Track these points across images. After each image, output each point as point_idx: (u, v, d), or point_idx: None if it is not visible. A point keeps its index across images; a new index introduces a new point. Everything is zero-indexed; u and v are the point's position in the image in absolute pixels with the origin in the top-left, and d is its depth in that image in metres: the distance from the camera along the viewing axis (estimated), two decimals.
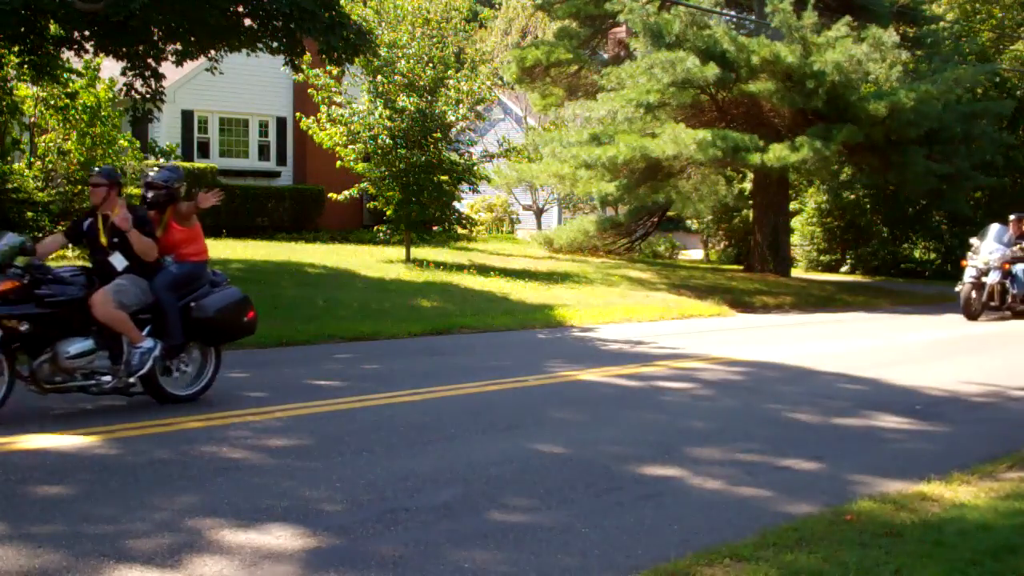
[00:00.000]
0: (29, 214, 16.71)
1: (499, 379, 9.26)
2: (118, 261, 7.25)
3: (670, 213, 28.78)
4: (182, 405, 7.51)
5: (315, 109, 21.10)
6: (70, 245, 8.51)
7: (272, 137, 25.93)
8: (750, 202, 25.33)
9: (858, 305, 19.77)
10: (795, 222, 29.18)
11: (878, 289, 23.24)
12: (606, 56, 24.94)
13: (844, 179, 26.62)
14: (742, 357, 11.39)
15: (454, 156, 20.39)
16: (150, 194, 7.69)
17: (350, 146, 19.93)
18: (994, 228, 17.35)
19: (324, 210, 24.72)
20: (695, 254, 34.24)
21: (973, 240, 17.35)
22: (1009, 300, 16.92)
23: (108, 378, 7.12)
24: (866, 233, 29.20)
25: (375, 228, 22.62)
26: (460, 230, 23.04)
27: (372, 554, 4.47)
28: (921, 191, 22.97)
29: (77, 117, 16.95)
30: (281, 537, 4.64)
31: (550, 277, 19.49)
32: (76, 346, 6.91)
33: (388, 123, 19.33)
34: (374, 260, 19.79)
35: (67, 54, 15.11)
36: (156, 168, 8.38)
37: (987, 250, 16.84)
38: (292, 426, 7.00)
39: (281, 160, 26.04)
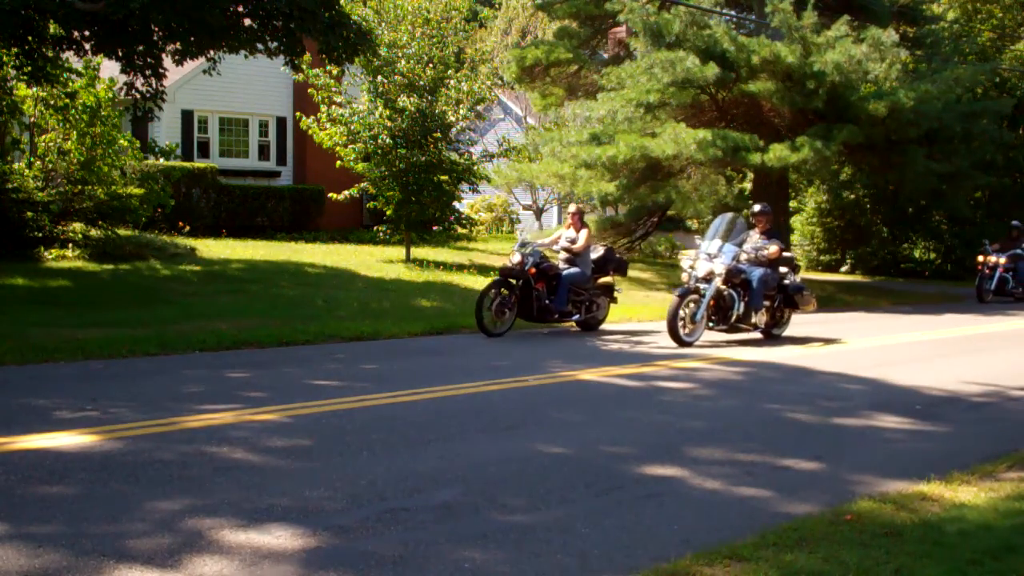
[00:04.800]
0: (29, 214, 16.71)
1: (499, 379, 9.25)
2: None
3: (670, 213, 28.76)
4: (182, 404, 7.53)
5: (315, 109, 21.11)
6: None
7: (272, 137, 25.94)
8: (750, 202, 25.30)
9: (858, 305, 19.77)
10: (795, 222, 29.22)
11: (878, 289, 23.25)
12: (606, 56, 24.93)
13: (844, 179, 26.63)
14: (742, 357, 11.39)
15: (454, 156, 20.39)
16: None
17: (350, 146, 19.94)
18: (725, 219, 13.10)
19: (324, 210, 24.73)
20: None
21: (699, 239, 13.12)
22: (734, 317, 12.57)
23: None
24: (866, 233, 29.23)
25: (375, 228, 22.63)
26: (460, 230, 23.05)
27: (372, 554, 4.47)
28: (921, 191, 22.98)
29: (77, 117, 16.95)
30: (281, 537, 4.64)
31: None
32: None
33: (388, 123, 19.34)
34: (374, 260, 19.79)
35: (67, 54, 15.12)
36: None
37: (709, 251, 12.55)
38: (292, 426, 7.00)
39: (281, 160, 26.05)
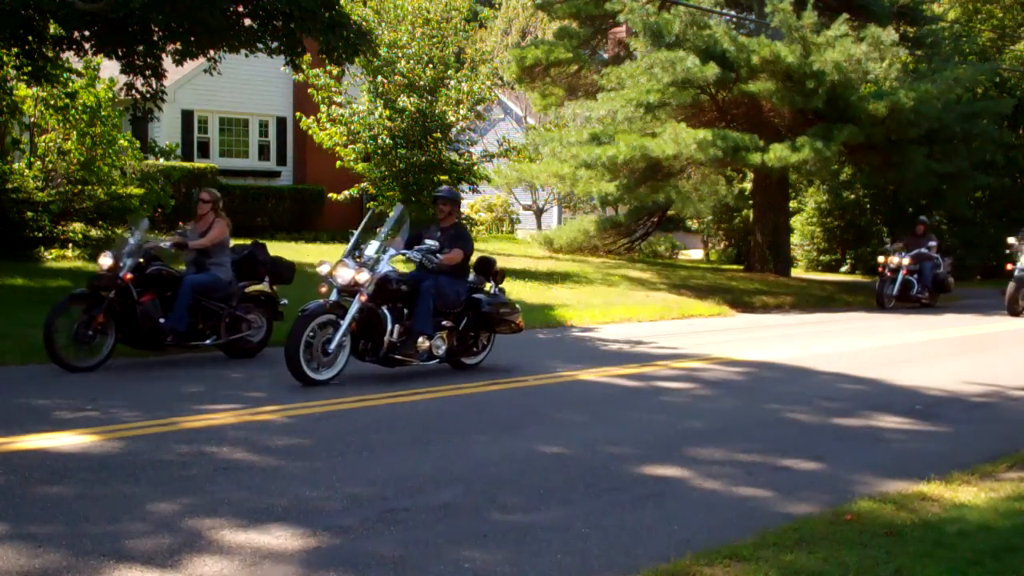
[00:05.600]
0: (29, 214, 16.71)
1: (499, 379, 9.26)
2: None
3: (670, 213, 28.79)
4: (182, 404, 7.54)
5: (315, 109, 21.12)
6: None
7: (272, 137, 25.93)
8: (750, 202, 25.34)
9: (858, 305, 19.77)
10: (795, 222, 29.21)
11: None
12: (606, 56, 24.93)
13: (844, 179, 26.63)
14: (742, 357, 11.39)
15: (454, 156, 20.40)
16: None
17: (350, 146, 19.95)
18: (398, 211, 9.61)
19: (324, 210, 24.72)
20: (695, 254, 34.25)
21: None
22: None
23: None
24: (866, 233, 29.21)
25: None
26: None
27: (372, 554, 4.46)
28: (921, 191, 22.98)
29: (77, 117, 16.94)
30: (281, 537, 4.64)
31: (550, 277, 19.48)
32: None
33: (388, 123, 19.35)
34: None
35: (67, 54, 15.12)
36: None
37: None
38: (292, 426, 7.00)
39: (281, 160, 26.04)
